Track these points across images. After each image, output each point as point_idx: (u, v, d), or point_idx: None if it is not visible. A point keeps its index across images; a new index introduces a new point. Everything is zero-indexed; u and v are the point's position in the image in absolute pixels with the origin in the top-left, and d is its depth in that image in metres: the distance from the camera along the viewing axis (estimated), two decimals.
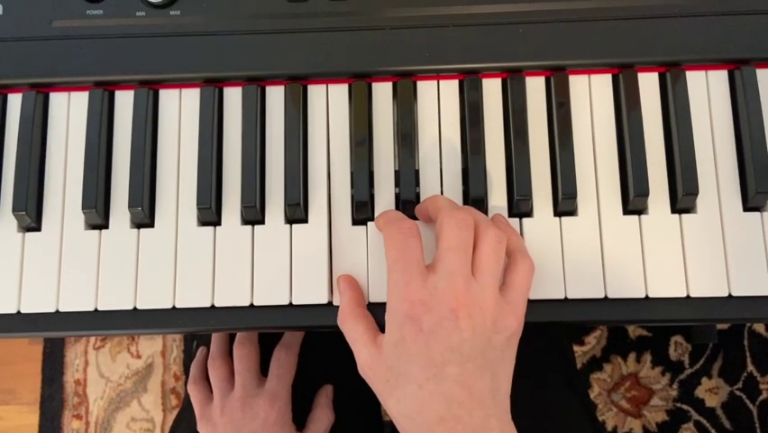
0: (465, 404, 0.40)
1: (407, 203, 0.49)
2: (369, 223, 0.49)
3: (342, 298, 0.47)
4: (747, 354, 1.11)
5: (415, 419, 0.41)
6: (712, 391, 1.11)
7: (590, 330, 1.14)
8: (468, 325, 0.41)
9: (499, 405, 0.42)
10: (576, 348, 1.13)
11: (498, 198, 0.49)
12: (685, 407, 1.11)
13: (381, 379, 0.43)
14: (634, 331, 1.13)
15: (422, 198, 0.49)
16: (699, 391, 1.11)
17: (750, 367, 1.11)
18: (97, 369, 1.19)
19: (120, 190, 0.50)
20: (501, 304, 0.43)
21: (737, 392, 1.11)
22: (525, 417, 0.51)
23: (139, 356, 1.18)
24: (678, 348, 1.12)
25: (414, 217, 0.48)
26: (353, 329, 0.45)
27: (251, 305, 0.48)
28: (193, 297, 0.48)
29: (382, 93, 0.51)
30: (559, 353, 0.69)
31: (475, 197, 0.48)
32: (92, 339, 1.20)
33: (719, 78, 0.50)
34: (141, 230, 0.50)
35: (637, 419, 1.12)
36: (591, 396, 1.12)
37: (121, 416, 1.18)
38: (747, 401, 1.10)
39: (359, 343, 0.44)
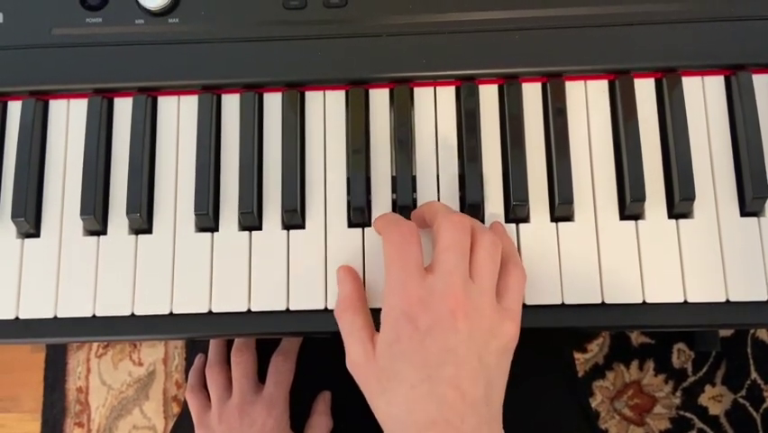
0: (458, 408, 0.40)
1: (404, 209, 0.49)
2: (366, 229, 0.49)
3: (342, 288, 0.46)
4: (751, 361, 1.11)
5: (404, 421, 0.40)
6: (716, 399, 1.10)
7: (592, 337, 1.13)
8: (465, 326, 0.40)
9: (492, 414, 0.41)
10: (578, 356, 1.13)
11: (494, 203, 0.49)
12: (688, 415, 1.10)
13: (372, 378, 0.42)
14: (636, 338, 1.13)
15: (418, 205, 0.49)
16: (703, 399, 1.11)
17: (753, 375, 1.10)
18: (99, 377, 1.19)
19: (118, 197, 0.50)
20: (498, 309, 0.42)
21: (741, 400, 1.10)
22: (523, 425, 0.51)
23: (141, 364, 1.18)
24: (681, 356, 1.12)
25: None
26: (351, 322, 0.44)
27: (249, 311, 0.48)
28: (190, 303, 0.49)
29: (379, 99, 0.51)
30: (559, 360, 0.69)
31: (472, 202, 0.48)
32: (94, 347, 1.20)
33: (716, 83, 0.50)
34: (139, 236, 0.50)
35: (640, 427, 1.11)
36: (594, 404, 1.11)
37: (123, 423, 1.18)
38: (751, 409, 1.10)
39: (354, 337, 0.43)
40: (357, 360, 0.43)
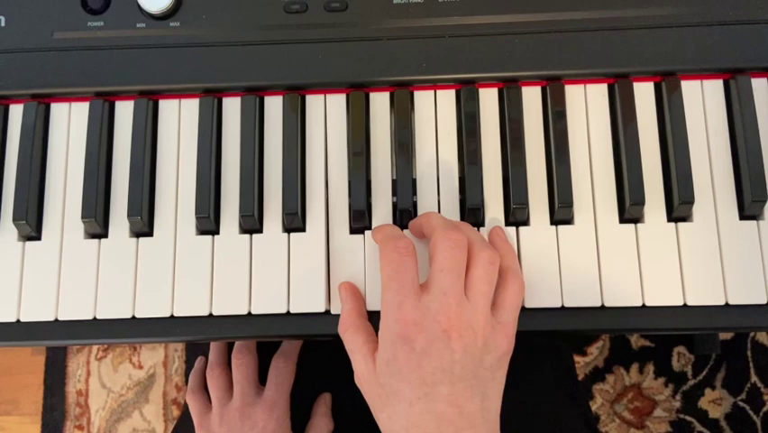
0: (455, 423, 0.41)
1: (405, 212, 0.49)
2: (366, 232, 0.49)
3: (343, 307, 0.47)
4: (751, 364, 1.11)
5: None
6: (715, 403, 1.10)
7: (592, 340, 1.13)
8: (459, 345, 0.41)
9: (489, 425, 0.43)
10: (578, 359, 1.13)
11: (494, 206, 0.49)
12: (688, 418, 1.10)
13: (374, 394, 0.43)
14: (636, 342, 1.13)
15: (419, 208, 0.49)
16: (703, 403, 1.11)
17: (753, 378, 1.10)
18: (99, 379, 1.19)
19: (119, 200, 0.51)
20: (492, 324, 0.43)
21: (741, 403, 1.10)
22: (523, 429, 0.51)
23: (141, 367, 1.18)
24: (681, 359, 1.12)
25: None
26: (353, 340, 0.45)
27: (249, 313, 0.49)
28: (191, 305, 0.49)
29: (380, 103, 0.51)
30: (559, 363, 0.69)
31: (472, 205, 0.48)
32: (94, 350, 1.20)
33: (715, 87, 0.50)
34: (140, 239, 0.50)
35: (640, 430, 1.11)
36: (594, 407, 1.11)
37: (123, 426, 1.18)
38: (751, 413, 1.10)
39: (357, 354, 0.44)
40: (360, 375, 0.44)
